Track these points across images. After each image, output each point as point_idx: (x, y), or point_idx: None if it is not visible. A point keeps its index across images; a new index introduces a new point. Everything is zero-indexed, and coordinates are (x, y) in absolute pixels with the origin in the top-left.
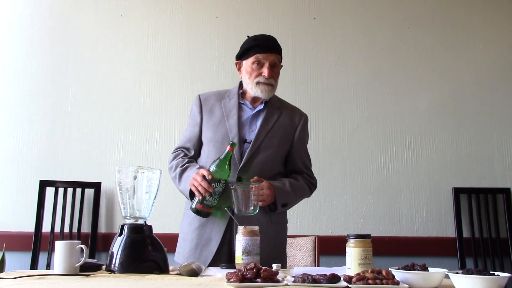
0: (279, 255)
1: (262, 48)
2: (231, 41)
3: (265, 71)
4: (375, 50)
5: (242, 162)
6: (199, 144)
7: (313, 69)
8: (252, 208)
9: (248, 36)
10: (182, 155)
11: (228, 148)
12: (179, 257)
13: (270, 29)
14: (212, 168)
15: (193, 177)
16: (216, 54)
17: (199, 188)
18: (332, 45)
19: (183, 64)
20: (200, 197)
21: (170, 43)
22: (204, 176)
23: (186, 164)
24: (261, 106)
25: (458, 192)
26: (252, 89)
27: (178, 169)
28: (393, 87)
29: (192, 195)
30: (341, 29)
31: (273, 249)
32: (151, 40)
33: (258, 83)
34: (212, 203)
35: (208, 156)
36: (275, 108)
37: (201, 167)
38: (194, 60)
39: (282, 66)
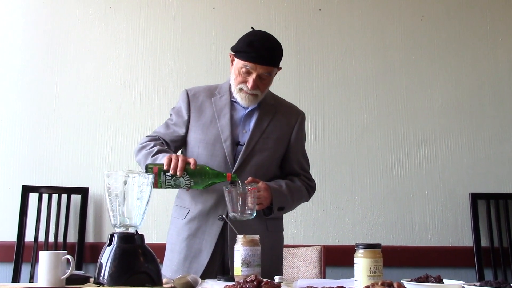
0: (277, 266)
1: (253, 58)
2: (229, 35)
3: (250, 82)
4: (385, 43)
5: (235, 166)
6: (181, 145)
7: (318, 64)
8: (249, 211)
9: (252, 28)
10: (160, 142)
11: (227, 174)
12: (166, 270)
13: (272, 21)
14: (201, 168)
15: (178, 154)
16: (213, 48)
17: (173, 162)
18: (339, 38)
19: (177, 59)
20: (165, 167)
21: (163, 37)
22: (188, 162)
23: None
24: (255, 105)
25: (475, 197)
26: (234, 92)
27: (158, 147)
28: (404, 84)
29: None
30: (348, 21)
31: (270, 259)
32: (143, 34)
33: (241, 89)
34: (162, 183)
35: (198, 159)
36: (269, 106)
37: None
38: (189, 55)
39: (280, 68)
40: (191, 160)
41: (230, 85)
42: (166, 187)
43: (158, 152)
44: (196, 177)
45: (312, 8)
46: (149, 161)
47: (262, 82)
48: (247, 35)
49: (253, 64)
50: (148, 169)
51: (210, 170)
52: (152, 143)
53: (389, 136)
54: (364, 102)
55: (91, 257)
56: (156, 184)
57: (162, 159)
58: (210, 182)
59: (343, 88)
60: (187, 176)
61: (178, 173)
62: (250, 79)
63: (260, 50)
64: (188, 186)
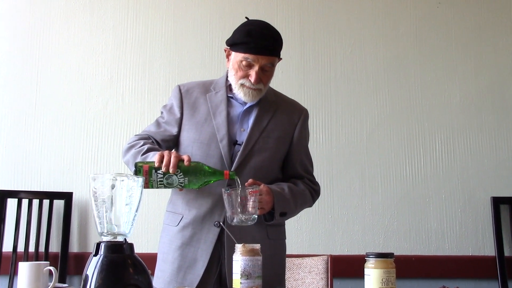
0: (279, 277)
1: (253, 49)
2: (226, 25)
3: (252, 75)
4: (398, 33)
5: (233, 167)
6: (173, 145)
7: (325, 56)
8: (249, 216)
9: (246, 18)
10: (151, 141)
11: (225, 172)
12: (158, 282)
13: (273, 8)
14: (196, 165)
15: (171, 151)
16: (208, 39)
17: (165, 159)
18: (347, 27)
19: (170, 51)
20: (156, 164)
21: (154, 26)
22: (182, 159)
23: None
24: (255, 101)
25: (498, 202)
26: (235, 89)
27: (148, 146)
28: (419, 77)
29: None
30: (358, 9)
31: (271, 270)
32: (132, 23)
33: (242, 85)
34: (154, 182)
35: (192, 160)
36: (270, 102)
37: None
38: (182, 46)
39: (280, 59)
40: (185, 157)
41: (226, 80)
42: (158, 187)
43: (148, 150)
44: (191, 175)
45: None
46: (138, 159)
47: (265, 74)
48: (243, 25)
49: (254, 55)
50: (137, 167)
51: (206, 168)
52: (141, 142)
53: (402, 134)
54: (375, 98)
55: (75, 268)
56: (147, 184)
57: (153, 156)
58: (206, 180)
59: (351, 82)
60: (181, 173)
61: (170, 170)
62: (253, 72)
63: (260, 39)
64: (182, 185)
